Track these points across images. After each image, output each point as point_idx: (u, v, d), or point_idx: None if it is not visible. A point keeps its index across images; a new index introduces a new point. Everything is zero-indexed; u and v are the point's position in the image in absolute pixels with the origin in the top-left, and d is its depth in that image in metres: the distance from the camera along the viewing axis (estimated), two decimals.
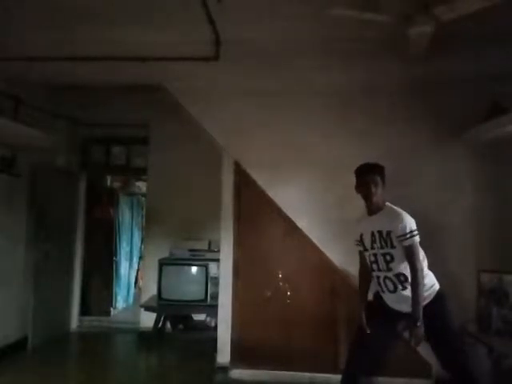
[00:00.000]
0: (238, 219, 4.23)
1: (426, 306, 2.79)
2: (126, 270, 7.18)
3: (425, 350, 3.81)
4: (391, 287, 2.89)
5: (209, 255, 5.04)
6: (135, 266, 7.67)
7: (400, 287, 2.85)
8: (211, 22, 3.01)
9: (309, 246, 4.02)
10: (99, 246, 6.50)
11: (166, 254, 5.24)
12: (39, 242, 4.87)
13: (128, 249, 7.34)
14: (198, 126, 4.25)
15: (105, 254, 6.62)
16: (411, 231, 2.76)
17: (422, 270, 2.78)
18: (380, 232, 2.89)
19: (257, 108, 4.17)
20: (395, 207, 2.92)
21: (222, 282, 4.22)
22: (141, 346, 5.20)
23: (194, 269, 4.97)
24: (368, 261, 3.01)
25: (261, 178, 4.15)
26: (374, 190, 2.90)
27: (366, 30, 2.91)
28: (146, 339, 5.12)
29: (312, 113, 4.12)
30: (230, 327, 4.13)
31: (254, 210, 4.19)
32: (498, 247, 3.77)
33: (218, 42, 3.37)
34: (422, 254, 2.92)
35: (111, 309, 6.49)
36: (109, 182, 7.28)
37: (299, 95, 4.13)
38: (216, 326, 4.32)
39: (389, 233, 2.84)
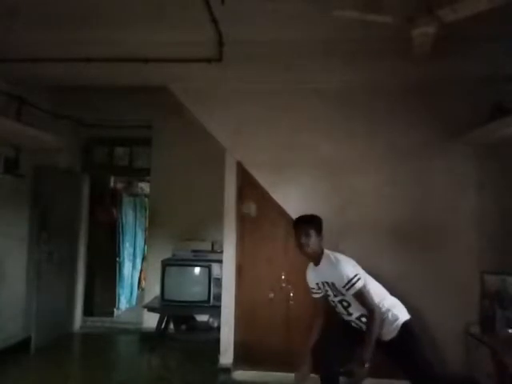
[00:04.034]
0: (241, 220, 4.23)
1: (392, 341, 2.85)
2: (129, 270, 7.18)
3: (428, 352, 3.83)
4: (358, 328, 2.97)
5: (212, 256, 5.04)
6: (138, 266, 7.67)
7: (365, 327, 2.89)
8: (214, 21, 3.01)
9: None
10: (102, 246, 6.51)
11: (168, 255, 5.25)
12: (42, 242, 4.87)
13: (131, 250, 7.34)
14: (201, 127, 4.25)
15: (108, 255, 6.63)
16: (351, 279, 2.81)
17: (376, 310, 2.80)
18: (327, 283, 2.97)
19: (260, 109, 4.18)
20: (332, 255, 2.98)
21: (224, 282, 4.22)
22: (144, 346, 5.20)
23: (196, 270, 4.97)
24: (331, 306, 3.10)
25: (263, 179, 4.15)
26: (304, 241, 2.95)
27: (368, 30, 2.91)
28: (149, 340, 5.12)
29: (314, 113, 4.12)
30: (232, 328, 4.13)
31: (257, 210, 4.18)
32: (502, 249, 3.76)
33: (220, 43, 3.37)
34: (379, 290, 2.98)
35: (114, 309, 6.49)
36: (112, 183, 7.29)
37: (302, 96, 4.13)
38: (219, 327, 4.32)
39: (333, 283, 2.92)
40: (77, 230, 5.78)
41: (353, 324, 3.02)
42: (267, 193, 4.12)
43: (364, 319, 2.89)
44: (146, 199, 7.63)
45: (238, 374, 4.03)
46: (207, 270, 4.88)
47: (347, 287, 2.82)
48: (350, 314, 2.99)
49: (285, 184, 4.11)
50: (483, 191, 3.90)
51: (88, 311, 6.05)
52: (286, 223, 4.09)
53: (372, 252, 3.92)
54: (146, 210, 7.70)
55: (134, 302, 7.24)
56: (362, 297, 2.82)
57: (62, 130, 5.15)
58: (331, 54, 3.56)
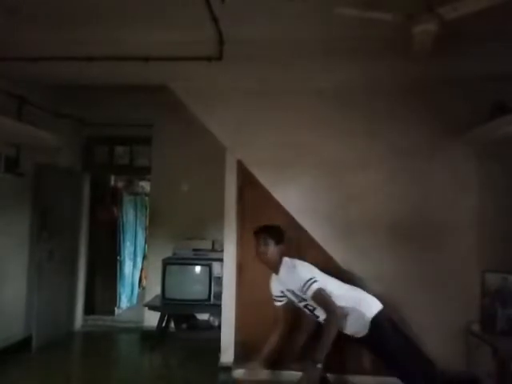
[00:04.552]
0: (242, 219, 4.22)
1: (365, 337, 2.89)
2: (129, 269, 7.19)
3: (429, 350, 3.83)
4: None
5: (212, 255, 5.04)
6: (139, 265, 7.68)
7: (323, 328, 2.91)
8: (214, 20, 3.00)
9: (313, 245, 4.01)
10: (103, 245, 6.52)
11: (169, 254, 5.25)
12: (43, 241, 4.87)
13: (132, 248, 7.34)
14: (201, 126, 4.25)
15: (109, 254, 6.63)
16: (306, 282, 2.85)
17: (334, 312, 2.82)
18: (288, 289, 3.04)
19: (260, 108, 4.17)
20: (290, 262, 3.04)
21: (225, 281, 4.22)
22: (144, 345, 5.20)
23: (197, 268, 4.97)
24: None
25: (264, 178, 4.14)
26: (262, 249, 3.06)
27: (368, 29, 2.90)
28: (150, 338, 5.12)
29: (315, 112, 4.11)
30: (233, 327, 4.13)
31: (258, 209, 4.18)
32: (503, 247, 3.75)
33: (221, 42, 3.37)
34: (342, 291, 3.01)
35: (115, 308, 6.50)
36: (112, 182, 7.30)
37: (302, 95, 4.12)
38: (219, 326, 4.32)
39: (293, 290, 2.99)
40: (77, 228, 5.78)
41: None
42: (268, 192, 4.12)
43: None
44: (147, 198, 7.63)
45: (239, 373, 4.02)
46: (208, 268, 4.89)
47: (304, 290, 2.87)
48: (317, 317, 3.04)
49: (285, 183, 4.10)
50: (484, 190, 3.90)
51: (89, 310, 6.06)
52: (287, 222, 4.08)
53: (372, 251, 3.92)
54: (146, 209, 7.70)
55: (134, 301, 7.25)
56: (318, 299, 2.86)
57: (62, 129, 5.16)
58: (331, 53, 3.56)
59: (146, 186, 7.99)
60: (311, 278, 2.87)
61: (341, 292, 3.01)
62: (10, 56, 3.73)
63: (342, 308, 2.88)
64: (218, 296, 4.46)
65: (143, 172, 6.35)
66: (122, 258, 6.87)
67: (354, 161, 4.06)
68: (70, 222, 5.54)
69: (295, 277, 2.93)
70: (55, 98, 5.11)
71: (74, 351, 5.21)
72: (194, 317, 5.35)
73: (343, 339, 2.93)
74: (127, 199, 7.29)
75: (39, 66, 3.80)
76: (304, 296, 2.91)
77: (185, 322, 5.31)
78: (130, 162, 6.06)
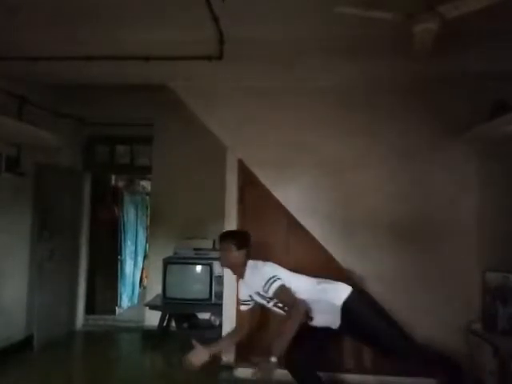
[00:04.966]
0: (243, 218, 4.22)
1: (343, 327, 2.93)
2: (130, 268, 7.20)
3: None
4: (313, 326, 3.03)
5: (213, 254, 5.03)
6: (140, 264, 7.68)
7: (309, 321, 2.98)
8: (215, 19, 3.00)
9: (313, 245, 4.01)
10: (104, 244, 6.52)
11: (170, 253, 5.25)
12: (44, 240, 4.87)
13: (133, 248, 7.35)
14: (202, 125, 4.25)
15: (110, 253, 6.64)
16: (268, 280, 2.87)
17: (297, 308, 2.83)
18: (256, 292, 3.05)
19: (261, 107, 4.17)
20: (254, 264, 3.06)
21: (226, 280, 4.22)
22: (145, 344, 5.21)
23: (198, 268, 4.97)
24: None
25: (265, 177, 4.14)
26: (223, 255, 3.10)
27: (368, 28, 2.89)
28: (151, 338, 5.13)
29: (315, 112, 4.11)
30: (234, 326, 4.12)
31: (259, 208, 4.18)
32: (503, 246, 3.75)
33: (221, 41, 3.36)
34: (307, 286, 3.02)
35: (116, 308, 6.51)
36: (113, 181, 7.30)
37: (302, 94, 4.12)
38: (220, 325, 4.32)
39: (258, 291, 3.00)
40: (78, 228, 5.79)
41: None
42: (268, 191, 4.12)
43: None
44: (148, 197, 7.64)
45: (240, 372, 4.03)
46: (209, 268, 4.89)
47: (266, 289, 2.88)
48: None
49: (286, 182, 4.10)
50: (485, 188, 3.89)
51: (90, 309, 6.06)
52: (288, 222, 4.09)
53: (373, 250, 3.92)
54: (147, 208, 7.71)
55: (135, 301, 7.26)
56: (280, 295, 2.87)
57: (63, 129, 5.16)
58: (332, 52, 3.55)
59: (146, 185, 8.00)
60: (273, 276, 2.89)
61: (307, 287, 3.02)
62: (11, 56, 3.73)
63: (305, 302, 2.89)
64: (219, 295, 4.47)
65: (144, 171, 6.36)
66: (123, 257, 6.88)
67: (355, 160, 4.06)
68: (70, 222, 5.54)
69: (258, 277, 2.94)
70: (56, 98, 5.11)
71: (75, 351, 5.22)
72: (195, 316, 5.34)
73: (335, 338, 2.96)
74: (128, 199, 7.30)
75: (39, 66, 3.80)
76: (267, 295, 2.92)
77: (186, 321, 5.30)
78: (130, 162, 6.07)
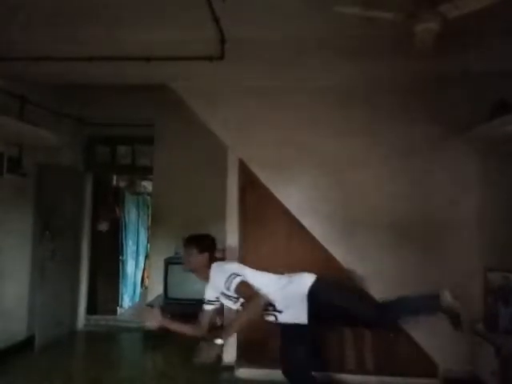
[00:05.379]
0: (244, 218, 4.23)
1: (318, 314, 2.91)
2: (132, 269, 7.20)
3: (432, 350, 3.83)
4: (273, 319, 3.01)
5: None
6: (141, 265, 7.69)
7: (277, 314, 2.97)
8: (216, 19, 3.00)
9: (314, 245, 4.01)
10: (106, 245, 6.52)
11: (171, 253, 5.25)
12: (46, 241, 4.87)
13: (134, 248, 7.36)
14: (203, 125, 4.25)
15: (111, 253, 6.65)
16: (228, 277, 2.87)
17: (256, 300, 2.81)
18: (222, 293, 3.06)
19: (262, 107, 4.17)
20: (216, 265, 3.07)
21: None
22: (147, 344, 5.20)
23: None
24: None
25: (266, 177, 4.14)
26: (186, 259, 3.15)
27: (369, 28, 2.89)
28: (152, 338, 5.12)
29: (316, 111, 4.11)
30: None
31: (260, 208, 4.18)
32: (505, 245, 3.74)
33: (222, 41, 3.36)
34: (273, 280, 3.03)
35: (117, 308, 6.51)
36: (115, 182, 7.30)
37: (303, 94, 4.13)
38: (222, 325, 4.31)
39: (223, 291, 3.00)
40: (80, 228, 5.79)
41: (271, 318, 3.03)
42: (269, 191, 4.12)
43: (271, 308, 2.95)
44: (149, 197, 7.64)
45: (241, 372, 4.03)
46: None
47: (227, 286, 2.87)
48: None
49: (287, 182, 4.10)
50: (486, 188, 3.89)
51: (91, 310, 6.06)
52: (289, 222, 4.09)
53: (374, 250, 3.92)
54: (148, 209, 7.72)
55: (137, 301, 7.26)
56: (241, 291, 2.85)
57: (64, 129, 5.17)
58: (332, 52, 3.55)
59: (148, 185, 8.00)
60: (232, 274, 2.89)
61: (272, 282, 3.02)
62: (12, 56, 3.73)
63: (266, 296, 2.88)
64: None
65: (145, 172, 6.36)
66: (125, 257, 6.88)
67: (355, 160, 4.06)
68: (72, 222, 5.55)
69: (221, 275, 2.94)
70: (56, 98, 5.11)
71: (76, 351, 5.22)
72: (197, 316, 5.33)
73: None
74: (129, 199, 7.30)
75: (40, 66, 3.81)
76: (230, 292, 2.92)
77: (187, 321, 5.29)
78: (132, 162, 6.08)
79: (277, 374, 3.86)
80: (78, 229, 5.72)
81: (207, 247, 3.14)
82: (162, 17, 3.08)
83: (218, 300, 3.18)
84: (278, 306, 2.95)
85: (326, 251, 3.99)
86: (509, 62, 3.54)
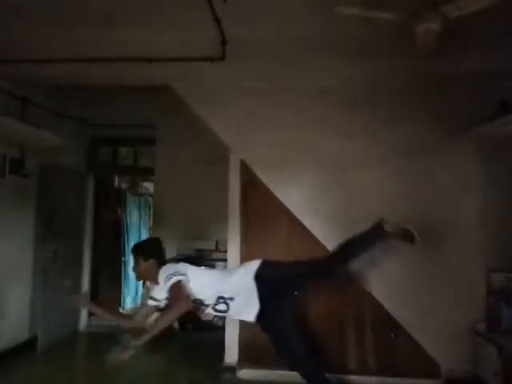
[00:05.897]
0: (245, 219, 4.23)
1: (263, 294, 2.88)
2: None
3: (434, 350, 3.82)
4: (224, 307, 2.98)
5: (216, 255, 5.05)
6: None
7: (229, 301, 2.94)
8: (217, 20, 3.00)
9: (315, 244, 4.00)
10: (107, 245, 6.54)
11: (172, 254, 5.25)
12: (48, 241, 4.88)
13: None
14: (205, 126, 4.26)
15: (113, 254, 6.66)
16: (166, 277, 2.84)
17: (179, 306, 2.79)
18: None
19: (263, 107, 4.18)
20: (166, 267, 2.99)
21: None
22: (149, 345, 5.18)
23: None
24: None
25: (267, 177, 4.15)
26: (135, 268, 3.11)
27: (370, 28, 2.89)
28: (155, 339, 5.12)
29: (316, 111, 4.12)
30: (237, 327, 4.13)
31: (261, 209, 4.18)
32: (508, 246, 3.74)
33: (223, 42, 3.36)
34: (214, 279, 3.02)
35: (120, 309, 6.52)
36: (116, 183, 7.32)
37: (304, 94, 4.13)
38: (224, 326, 4.32)
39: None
40: (82, 228, 5.80)
41: (222, 307, 3.00)
42: (271, 191, 4.12)
43: (218, 307, 2.96)
44: (150, 198, 7.65)
45: (243, 373, 4.03)
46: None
47: (166, 286, 2.84)
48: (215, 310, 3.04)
49: (288, 182, 4.11)
50: (489, 188, 3.88)
51: None
52: (289, 221, 4.09)
53: (374, 250, 3.90)
54: (150, 210, 7.72)
55: (139, 302, 7.26)
56: (172, 291, 2.81)
57: (66, 130, 5.18)
58: (333, 52, 3.55)
59: (149, 186, 8.01)
60: (174, 272, 2.86)
61: (217, 278, 3.04)
62: (14, 57, 3.74)
63: (189, 302, 2.88)
64: None
65: (147, 173, 6.38)
66: (127, 258, 6.89)
67: (356, 160, 4.06)
68: (74, 223, 5.56)
69: (164, 275, 2.90)
70: (58, 99, 5.13)
71: (78, 351, 5.23)
72: (199, 317, 5.34)
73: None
74: (131, 200, 7.32)
75: (42, 67, 3.82)
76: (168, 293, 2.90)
77: (189, 322, 5.31)
78: (133, 163, 6.09)
79: (279, 374, 3.89)
80: (79, 230, 5.73)
81: (151, 253, 3.07)
82: (164, 18, 3.08)
83: (164, 299, 3.10)
84: (229, 294, 2.93)
85: (326, 251, 3.97)
86: (509, 61, 3.53)
